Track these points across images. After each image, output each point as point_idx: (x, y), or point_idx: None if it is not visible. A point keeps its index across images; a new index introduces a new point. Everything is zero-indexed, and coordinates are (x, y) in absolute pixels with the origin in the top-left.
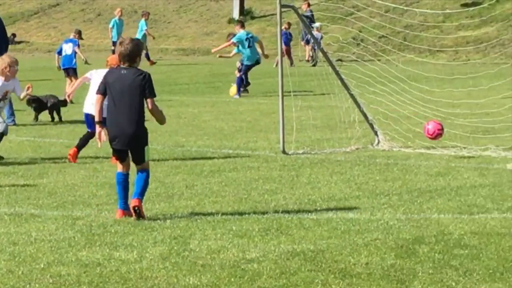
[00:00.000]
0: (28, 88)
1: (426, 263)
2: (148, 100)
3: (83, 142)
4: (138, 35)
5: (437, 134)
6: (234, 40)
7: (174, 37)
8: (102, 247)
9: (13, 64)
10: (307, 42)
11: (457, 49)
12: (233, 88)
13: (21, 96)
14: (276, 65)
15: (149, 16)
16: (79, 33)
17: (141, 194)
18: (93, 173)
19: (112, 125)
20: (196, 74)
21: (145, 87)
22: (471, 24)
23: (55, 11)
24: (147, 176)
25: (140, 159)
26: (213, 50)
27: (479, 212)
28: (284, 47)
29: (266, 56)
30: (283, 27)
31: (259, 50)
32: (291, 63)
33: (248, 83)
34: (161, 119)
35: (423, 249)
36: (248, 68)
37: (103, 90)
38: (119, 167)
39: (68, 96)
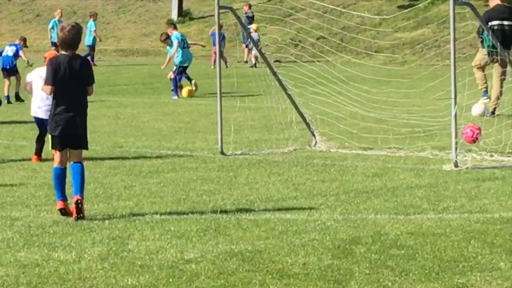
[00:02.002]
0: None
1: (363, 263)
2: (90, 86)
3: (40, 144)
4: (88, 37)
5: (477, 134)
6: (174, 40)
7: (113, 38)
8: (40, 248)
9: None
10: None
11: (394, 51)
12: (185, 90)
13: None
14: (214, 66)
15: (97, 16)
16: (24, 40)
17: (82, 190)
18: (32, 174)
19: (62, 111)
20: (135, 75)
21: (88, 73)
22: (407, 25)
23: None
24: (83, 169)
25: (83, 144)
26: (162, 67)
27: (415, 212)
28: (214, 47)
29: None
30: (214, 29)
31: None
32: (226, 64)
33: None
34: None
35: (359, 249)
36: (183, 69)
37: (53, 80)
38: (58, 162)
39: None
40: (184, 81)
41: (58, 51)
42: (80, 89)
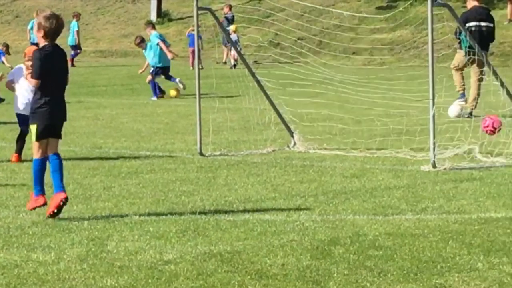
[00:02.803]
0: None
1: (341, 264)
2: (68, 75)
3: (21, 143)
4: (70, 37)
5: (499, 123)
6: (158, 40)
7: (92, 39)
8: (19, 249)
9: None
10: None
11: (372, 52)
12: (172, 91)
13: None
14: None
15: (80, 17)
16: (7, 46)
17: (63, 185)
18: (11, 174)
19: (49, 101)
20: (113, 76)
21: (67, 63)
22: (386, 27)
23: None
24: (62, 160)
25: (60, 133)
26: (140, 71)
27: (393, 213)
28: (190, 49)
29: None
30: (190, 29)
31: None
32: (201, 65)
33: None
34: None
35: (338, 250)
36: (160, 70)
37: (40, 73)
38: (41, 152)
39: None
40: (165, 82)
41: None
42: (62, 79)
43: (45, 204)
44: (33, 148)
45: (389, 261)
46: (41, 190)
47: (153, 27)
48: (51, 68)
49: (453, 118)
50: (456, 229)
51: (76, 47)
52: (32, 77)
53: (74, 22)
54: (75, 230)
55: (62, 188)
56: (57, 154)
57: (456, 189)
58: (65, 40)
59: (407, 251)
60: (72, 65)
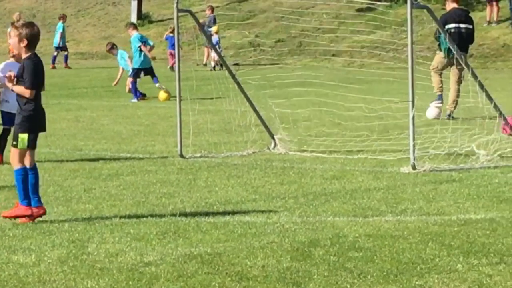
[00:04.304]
0: None
1: (322, 266)
2: None
3: (3, 143)
4: (55, 39)
5: None
6: (136, 42)
7: (72, 41)
8: (0, 251)
9: None
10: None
11: (352, 54)
12: (162, 93)
13: None
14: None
15: (66, 19)
16: None
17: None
18: None
19: (40, 109)
20: (94, 78)
21: None
22: (365, 29)
23: None
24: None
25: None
26: (114, 84)
27: (373, 215)
28: (168, 51)
29: (153, 58)
30: (168, 32)
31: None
32: (172, 68)
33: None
34: None
35: (318, 251)
36: (138, 72)
37: (36, 84)
38: (23, 163)
39: None
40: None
41: None
42: (44, 87)
43: (45, 213)
44: (15, 158)
45: (369, 263)
46: (38, 201)
47: (135, 28)
48: (42, 77)
49: (432, 119)
50: (435, 230)
51: (61, 48)
52: (27, 87)
53: (60, 24)
54: (56, 232)
55: (41, 202)
56: (35, 164)
57: (436, 190)
58: (51, 42)
59: (387, 252)
60: (53, 66)
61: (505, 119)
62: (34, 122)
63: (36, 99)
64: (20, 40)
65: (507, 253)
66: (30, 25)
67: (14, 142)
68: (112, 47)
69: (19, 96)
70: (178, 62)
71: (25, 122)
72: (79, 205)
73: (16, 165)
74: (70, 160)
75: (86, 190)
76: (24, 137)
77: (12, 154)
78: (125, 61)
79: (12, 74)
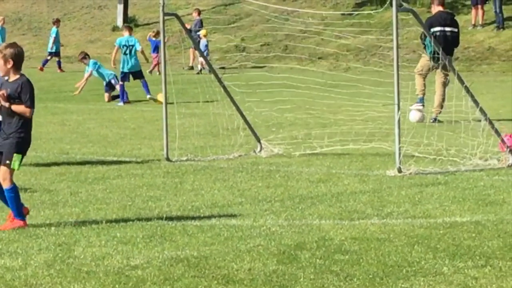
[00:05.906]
0: None
1: (308, 269)
2: None
3: None
4: (50, 43)
5: None
6: (115, 44)
7: None
8: None
9: None
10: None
11: (338, 57)
12: (161, 96)
13: None
14: (159, 72)
15: (59, 23)
16: None
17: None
18: None
19: (30, 130)
20: None
21: None
22: (351, 32)
23: None
24: None
25: None
26: (76, 92)
27: (359, 218)
28: (153, 55)
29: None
30: (151, 36)
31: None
32: (152, 71)
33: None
34: None
35: (304, 254)
36: (124, 75)
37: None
38: (12, 180)
39: None
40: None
41: None
42: None
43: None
44: (7, 176)
45: (355, 266)
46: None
47: (128, 30)
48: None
49: (416, 123)
50: (421, 233)
51: (54, 54)
52: (29, 107)
53: (53, 29)
54: (42, 236)
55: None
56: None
57: (422, 193)
58: (37, 45)
59: (373, 255)
60: (41, 68)
61: (500, 136)
62: (28, 143)
63: (31, 120)
64: (5, 62)
65: (492, 255)
66: (12, 45)
67: (8, 162)
68: (84, 57)
69: (14, 115)
70: (164, 66)
71: (20, 142)
72: (66, 208)
73: (9, 184)
74: (56, 163)
75: (73, 193)
76: (17, 157)
77: (3, 173)
78: (103, 68)
79: (4, 91)
